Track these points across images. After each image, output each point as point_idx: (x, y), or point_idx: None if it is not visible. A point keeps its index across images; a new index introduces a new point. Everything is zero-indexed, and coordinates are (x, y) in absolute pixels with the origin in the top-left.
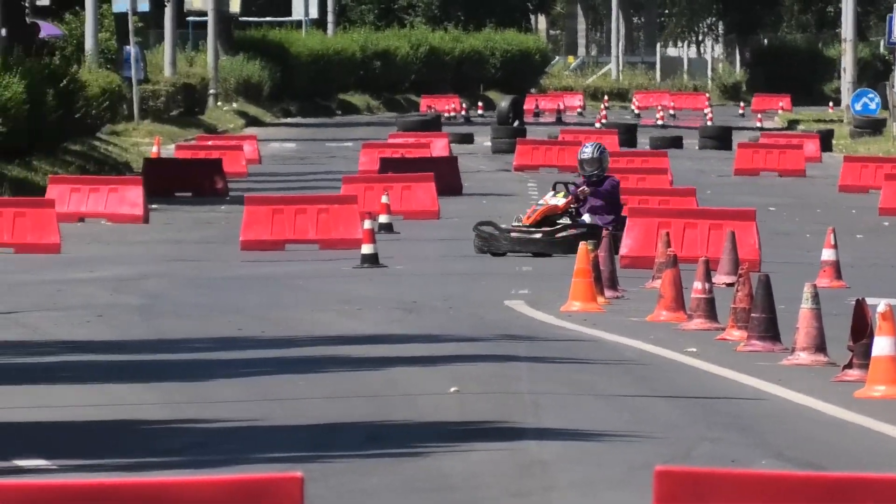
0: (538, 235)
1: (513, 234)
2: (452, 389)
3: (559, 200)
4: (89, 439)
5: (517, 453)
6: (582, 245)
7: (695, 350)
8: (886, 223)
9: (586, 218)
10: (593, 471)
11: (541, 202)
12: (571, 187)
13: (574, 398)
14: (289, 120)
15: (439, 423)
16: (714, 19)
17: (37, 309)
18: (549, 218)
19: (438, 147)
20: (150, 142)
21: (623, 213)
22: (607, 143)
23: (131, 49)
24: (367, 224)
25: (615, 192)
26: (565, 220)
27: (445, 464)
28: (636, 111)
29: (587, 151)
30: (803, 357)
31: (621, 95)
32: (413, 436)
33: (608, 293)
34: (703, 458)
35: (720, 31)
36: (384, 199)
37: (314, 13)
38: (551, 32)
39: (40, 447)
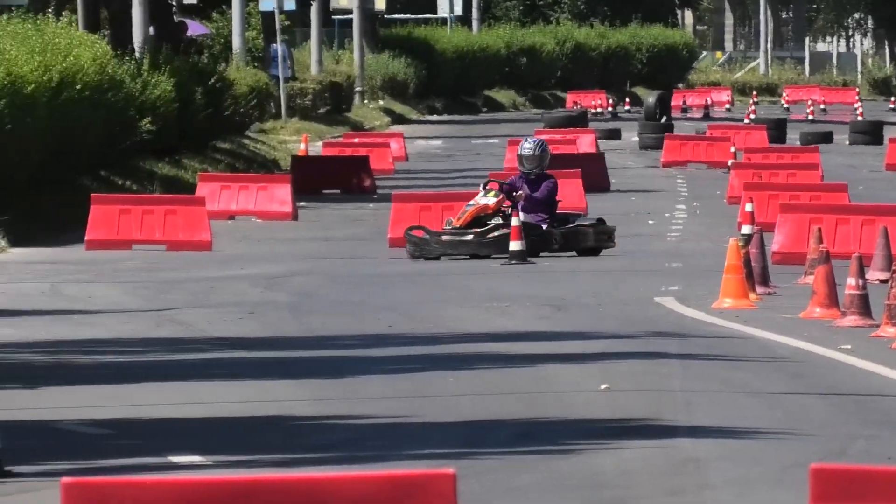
0: (469, 237)
1: (444, 238)
2: (603, 387)
3: (489, 200)
4: (242, 435)
5: (670, 451)
6: (732, 241)
7: (849, 347)
8: None
9: (522, 216)
10: (747, 469)
11: (471, 202)
12: (506, 186)
13: (726, 396)
14: (434, 117)
15: (590, 421)
16: (863, 14)
17: (189, 306)
18: (480, 218)
19: (585, 143)
20: (298, 139)
21: (557, 212)
22: (756, 139)
23: (278, 47)
24: (516, 221)
25: (552, 194)
26: (497, 220)
27: (597, 461)
28: (785, 106)
29: (528, 148)
30: None
31: (770, 90)
32: (564, 433)
33: (760, 289)
34: (858, 455)
35: (869, 26)
36: None
37: (459, 10)
38: (698, 28)
39: (194, 443)
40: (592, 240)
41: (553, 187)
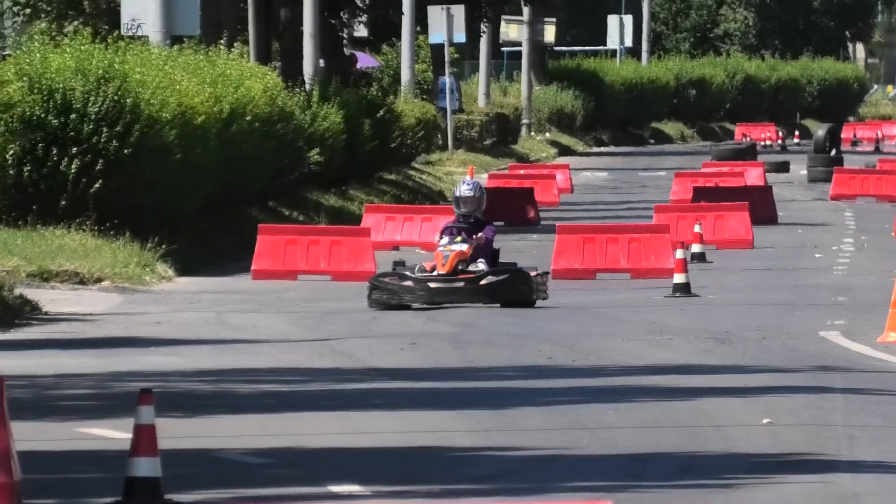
0: (460, 284)
1: (432, 285)
2: (765, 421)
3: (462, 245)
4: (401, 465)
5: (831, 486)
6: None
7: None
8: None
9: (481, 264)
10: None
11: (441, 248)
12: (455, 230)
13: (890, 431)
14: (601, 149)
15: (751, 455)
16: None
17: (351, 336)
18: (457, 264)
19: (753, 176)
20: (464, 171)
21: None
22: None
23: (446, 79)
24: (680, 253)
25: (493, 237)
26: (479, 266)
27: (758, 496)
28: None
29: (467, 189)
30: None
31: None
32: (724, 467)
33: None
34: None
35: None
36: (697, 229)
37: (629, 42)
38: (869, 61)
39: (354, 473)
40: (534, 289)
41: (494, 232)
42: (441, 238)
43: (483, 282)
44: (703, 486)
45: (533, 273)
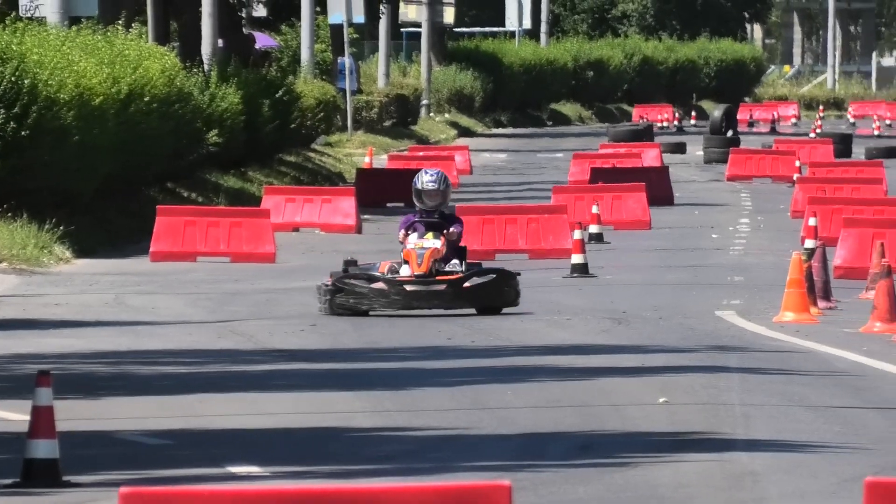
0: (441, 287)
1: (407, 288)
2: (662, 400)
3: (435, 242)
4: (301, 446)
5: (727, 464)
6: (795, 255)
7: None
8: None
9: (456, 263)
10: (804, 482)
11: (412, 245)
12: (419, 224)
13: (785, 409)
14: (500, 130)
15: (648, 434)
16: None
17: (252, 317)
18: (432, 265)
19: (650, 157)
20: (363, 152)
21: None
22: (822, 154)
23: (346, 60)
24: (578, 234)
25: (461, 233)
26: (455, 265)
27: (655, 474)
28: (852, 121)
29: (430, 181)
30: None
31: (837, 105)
32: (622, 446)
33: (821, 304)
34: None
35: None
36: (594, 210)
37: (527, 24)
38: (766, 42)
39: (253, 454)
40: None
41: (462, 227)
42: (407, 234)
43: (467, 284)
44: (602, 465)
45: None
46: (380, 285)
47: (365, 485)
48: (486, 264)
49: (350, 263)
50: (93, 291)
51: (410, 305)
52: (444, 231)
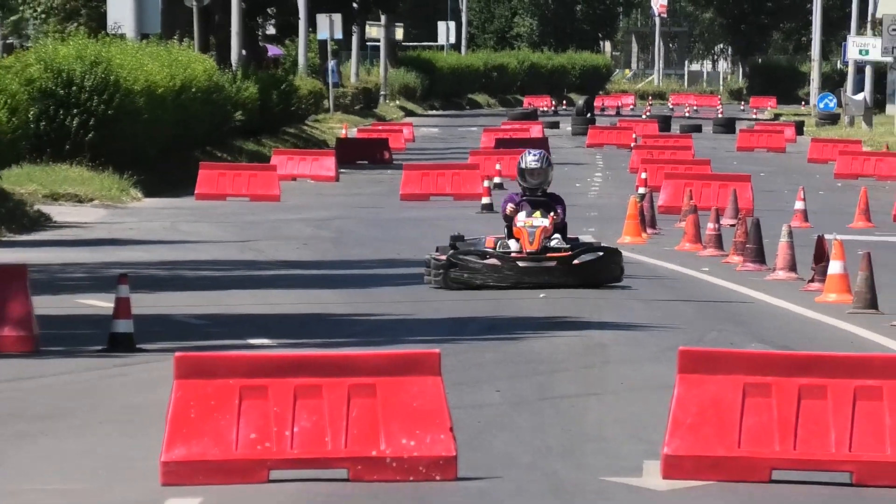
0: (552, 263)
1: (520, 264)
2: (542, 295)
3: (543, 221)
4: (296, 326)
5: (585, 339)
6: (632, 198)
7: (707, 269)
8: (839, 184)
9: (559, 238)
10: (637, 351)
11: (521, 223)
12: (524, 202)
13: (624, 301)
14: (433, 112)
15: (534, 318)
16: (724, 45)
17: (263, 238)
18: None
19: (535, 131)
20: (340, 127)
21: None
22: (651, 129)
23: (329, 63)
24: (486, 183)
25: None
26: (559, 241)
27: (537, 345)
28: (671, 107)
29: (533, 160)
30: (781, 274)
31: (660, 96)
32: (516, 326)
33: (649, 230)
34: (711, 342)
35: (729, 53)
36: (497, 167)
37: (452, 40)
38: (614, 53)
39: (265, 331)
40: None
41: (565, 206)
42: (517, 212)
43: (577, 261)
44: (502, 339)
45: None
46: (493, 261)
47: (339, 352)
48: (582, 238)
49: (457, 239)
50: (155, 220)
51: (522, 281)
52: (553, 212)
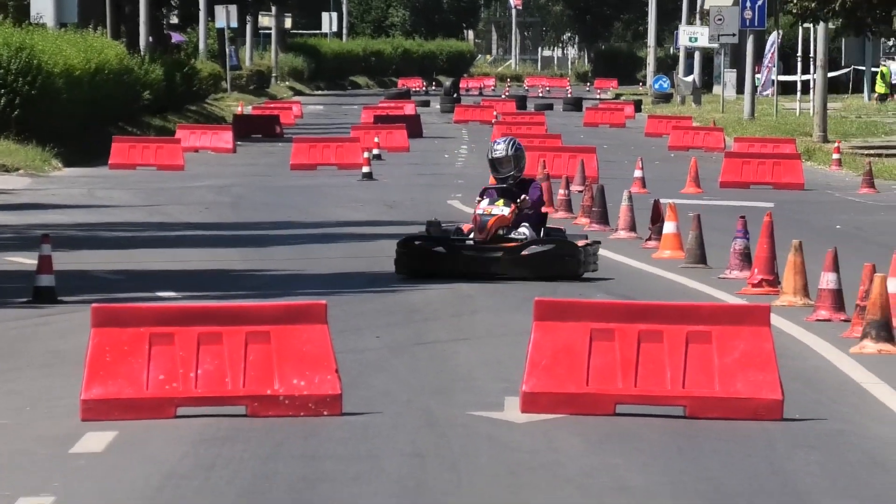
0: (499, 254)
1: (465, 253)
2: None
3: (503, 210)
4: (200, 280)
5: (454, 291)
6: None
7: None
8: (673, 155)
9: (525, 230)
10: (499, 301)
11: (481, 211)
12: (491, 193)
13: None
14: (319, 92)
15: None
16: (572, 33)
17: (170, 203)
18: (497, 231)
19: (409, 108)
20: (237, 105)
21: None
22: (509, 107)
23: (227, 48)
24: (366, 154)
25: (542, 199)
26: (522, 232)
27: (412, 297)
28: (526, 88)
29: (499, 149)
30: (622, 234)
31: (517, 79)
32: (393, 281)
33: None
34: (563, 293)
35: (576, 41)
36: (376, 140)
37: (335, 28)
38: (476, 40)
39: (172, 285)
40: (583, 262)
41: (542, 192)
42: (480, 200)
43: (525, 252)
44: (381, 293)
45: (581, 242)
46: (439, 249)
47: (237, 303)
48: (575, 231)
49: (433, 225)
50: (74, 187)
51: (467, 271)
52: (518, 199)
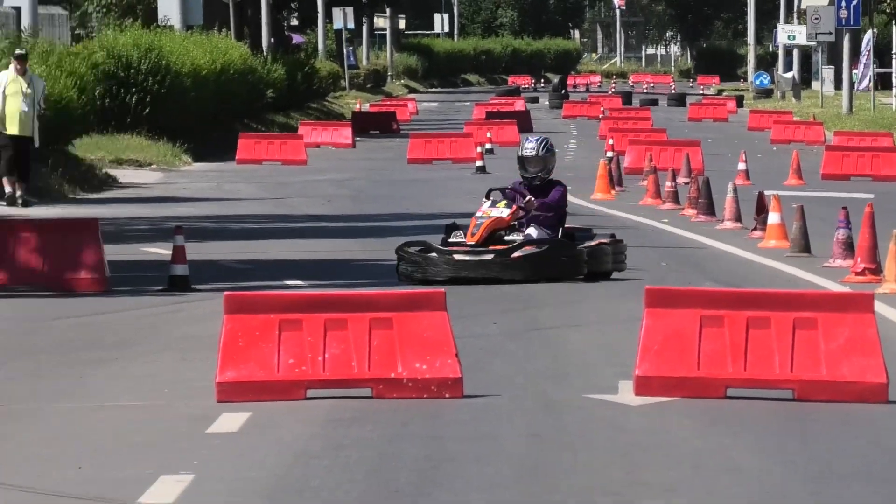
0: (489, 256)
1: (456, 257)
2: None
3: (503, 211)
4: (324, 270)
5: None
6: (602, 161)
7: (667, 221)
8: (775, 148)
9: (532, 232)
10: (610, 289)
11: (479, 214)
12: (509, 192)
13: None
14: (433, 90)
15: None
16: (674, 32)
17: (294, 196)
18: (494, 233)
19: (518, 105)
20: (355, 102)
21: (567, 227)
22: (615, 103)
23: (345, 49)
24: (479, 149)
25: (563, 201)
26: (515, 236)
27: (526, 285)
28: (631, 84)
29: (529, 148)
30: (728, 224)
31: (622, 75)
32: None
33: (617, 188)
34: (672, 281)
35: (678, 39)
36: (488, 135)
37: (447, 29)
38: (582, 39)
39: (298, 274)
40: (611, 261)
41: (564, 194)
42: (484, 202)
43: (517, 254)
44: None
45: (598, 242)
46: (432, 255)
47: (360, 291)
48: (604, 232)
49: (452, 228)
50: (203, 181)
51: (458, 275)
52: (525, 200)
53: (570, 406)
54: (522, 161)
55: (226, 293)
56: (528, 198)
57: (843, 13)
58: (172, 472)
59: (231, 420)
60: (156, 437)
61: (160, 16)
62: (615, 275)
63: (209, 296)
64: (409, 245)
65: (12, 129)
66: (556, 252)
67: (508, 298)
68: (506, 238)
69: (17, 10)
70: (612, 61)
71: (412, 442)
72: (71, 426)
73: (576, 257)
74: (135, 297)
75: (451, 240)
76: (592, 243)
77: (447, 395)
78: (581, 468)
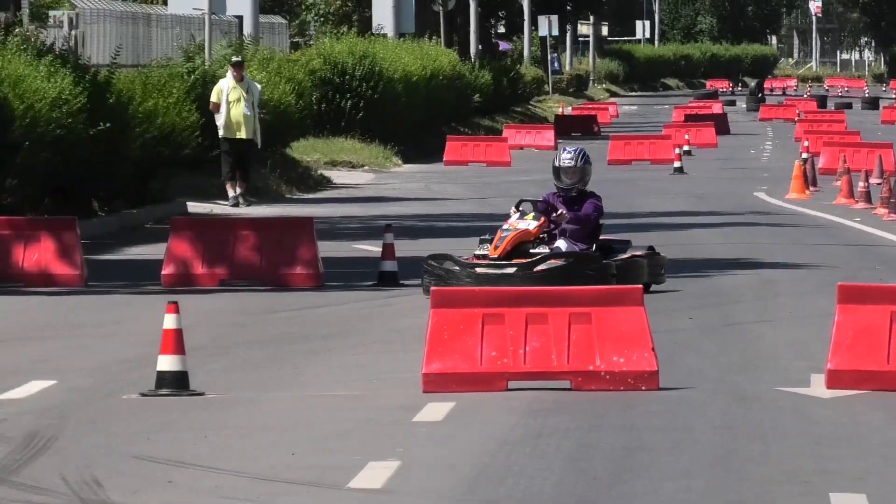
0: (512, 270)
1: (478, 270)
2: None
3: (530, 224)
4: None
5: (759, 276)
6: (797, 162)
7: (859, 220)
8: None
9: (562, 244)
10: (802, 286)
11: (506, 227)
12: (541, 204)
13: (791, 247)
14: (633, 94)
15: (716, 259)
16: (868, 38)
17: (497, 196)
18: (520, 246)
19: (716, 108)
20: (558, 106)
21: (602, 239)
22: (811, 106)
23: (549, 55)
24: (677, 150)
25: (598, 215)
26: (543, 249)
27: (719, 282)
28: (826, 88)
29: (567, 158)
30: None
31: (817, 80)
32: (702, 266)
33: (811, 188)
34: (863, 278)
35: (872, 45)
36: (686, 137)
37: (647, 35)
38: (779, 45)
39: None
40: (647, 274)
41: (600, 207)
42: (512, 213)
43: (540, 267)
44: (692, 276)
45: (630, 254)
46: (455, 268)
47: (560, 287)
48: (634, 239)
49: (485, 242)
50: (412, 182)
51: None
52: (556, 213)
53: (763, 399)
54: (558, 171)
55: (433, 288)
56: (559, 211)
57: None
58: (380, 458)
59: (436, 409)
60: (364, 425)
61: (374, 24)
62: (805, 271)
63: (416, 291)
64: (432, 259)
65: (239, 133)
66: (581, 265)
67: (703, 294)
68: (531, 251)
69: (240, 18)
70: (808, 66)
71: (609, 432)
72: (285, 414)
73: (602, 270)
74: (346, 291)
75: (477, 252)
76: (624, 256)
77: (643, 388)
78: (772, 458)
